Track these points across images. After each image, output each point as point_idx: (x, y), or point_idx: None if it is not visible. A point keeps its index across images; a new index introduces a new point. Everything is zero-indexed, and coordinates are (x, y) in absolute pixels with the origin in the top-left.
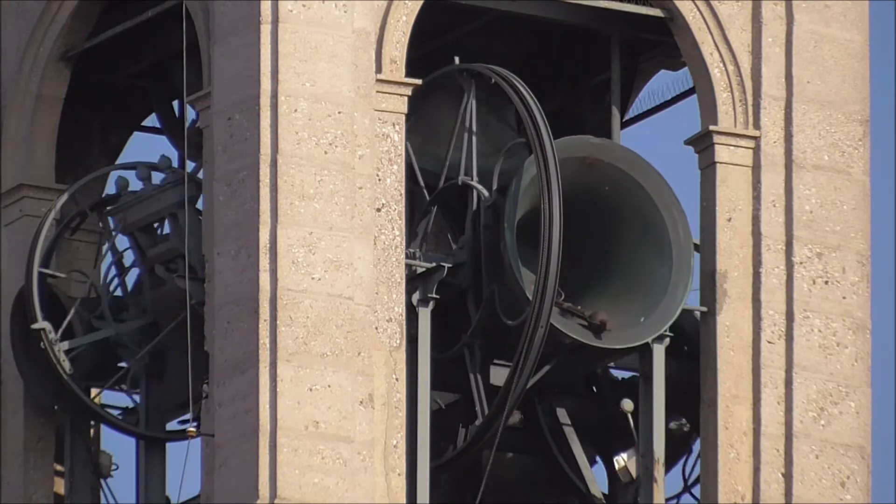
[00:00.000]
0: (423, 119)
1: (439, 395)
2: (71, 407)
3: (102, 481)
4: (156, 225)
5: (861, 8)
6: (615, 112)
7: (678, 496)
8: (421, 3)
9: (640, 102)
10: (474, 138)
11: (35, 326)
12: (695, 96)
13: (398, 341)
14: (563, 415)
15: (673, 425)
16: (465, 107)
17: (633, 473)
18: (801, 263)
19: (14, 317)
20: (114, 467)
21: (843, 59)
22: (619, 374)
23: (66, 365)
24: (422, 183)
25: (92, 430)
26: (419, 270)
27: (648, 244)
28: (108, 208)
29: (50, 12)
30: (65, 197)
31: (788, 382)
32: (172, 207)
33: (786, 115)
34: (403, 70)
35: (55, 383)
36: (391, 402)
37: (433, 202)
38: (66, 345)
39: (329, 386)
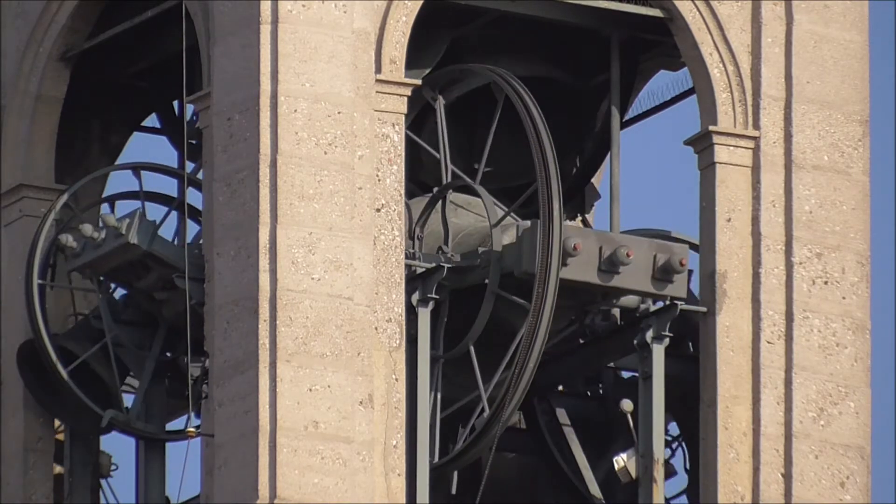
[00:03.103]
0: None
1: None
2: (71, 407)
3: (102, 481)
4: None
5: (861, 8)
6: (615, 112)
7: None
8: (421, 3)
9: (640, 102)
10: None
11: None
12: (694, 96)
13: (398, 341)
14: (562, 415)
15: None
16: (496, 114)
17: (633, 473)
18: (800, 263)
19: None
20: (114, 467)
21: (843, 60)
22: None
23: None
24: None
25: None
26: (419, 270)
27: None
28: (74, 265)
29: (50, 12)
30: (65, 197)
31: (788, 383)
32: (140, 252)
33: (785, 116)
34: (403, 70)
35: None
36: (391, 403)
37: (433, 201)
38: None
39: (329, 386)
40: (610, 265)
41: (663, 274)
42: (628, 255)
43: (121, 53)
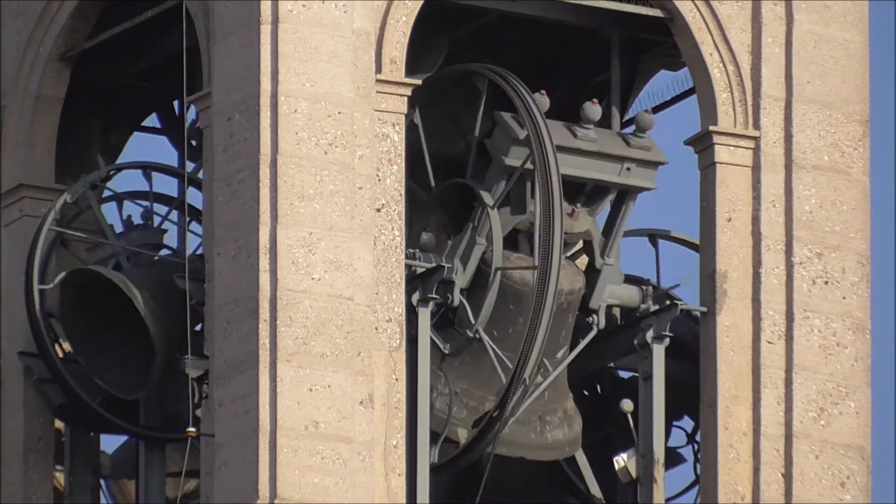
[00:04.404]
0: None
1: None
2: (72, 407)
3: (102, 481)
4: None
5: (861, 8)
6: (615, 112)
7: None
8: (421, 3)
9: (640, 102)
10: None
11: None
12: (695, 96)
13: (398, 341)
14: None
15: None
16: (480, 108)
17: (633, 473)
18: (800, 263)
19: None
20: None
21: (843, 60)
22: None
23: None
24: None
25: (92, 430)
26: (419, 270)
27: None
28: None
29: (50, 12)
30: (65, 197)
31: (788, 382)
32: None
33: (786, 116)
34: (403, 70)
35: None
36: (391, 403)
37: (432, 202)
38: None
39: (329, 386)
40: (580, 127)
41: (636, 138)
42: (594, 103)
43: (121, 53)
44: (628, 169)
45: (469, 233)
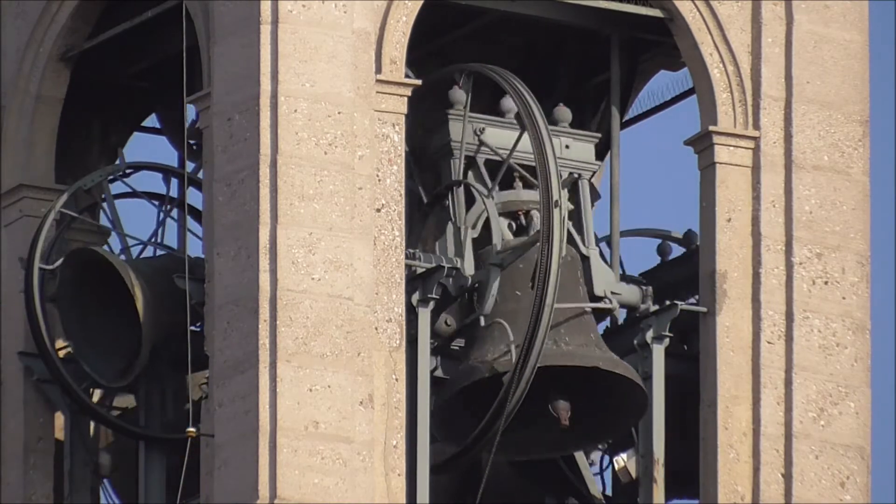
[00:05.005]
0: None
1: None
2: (71, 406)
3: (102, 481)
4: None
5: (861, 8)
6: (615, 112)
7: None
8: (421, 3)
9: (640, 102)
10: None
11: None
12: (694, 97)
13: (398, 342)
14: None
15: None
16: (466, 107)
17: (633, 473)
18: (800, 264)
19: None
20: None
21: (843, 60)
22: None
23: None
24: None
25: (92, 430)
26: (419, 270)
27: None
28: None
29: (50, 12)
30: (65, 197)
31: (788, 383)
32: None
33: (785, 116)
34: (403, 70)
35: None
36: (391, 403)
37: (433, 202)
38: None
39: (329, 386)
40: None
41: (559, 129)
42: (508, 98)
43: (121, 53)
44: (567, 147)
45: (451, 226)
